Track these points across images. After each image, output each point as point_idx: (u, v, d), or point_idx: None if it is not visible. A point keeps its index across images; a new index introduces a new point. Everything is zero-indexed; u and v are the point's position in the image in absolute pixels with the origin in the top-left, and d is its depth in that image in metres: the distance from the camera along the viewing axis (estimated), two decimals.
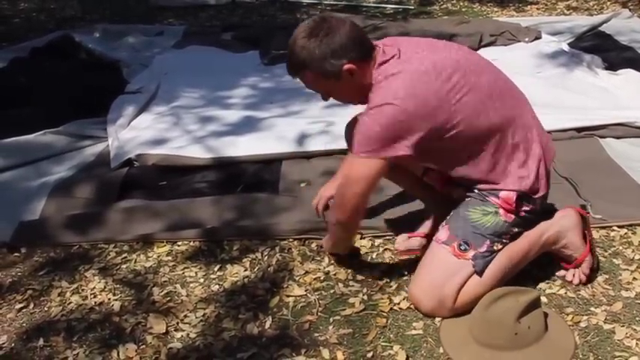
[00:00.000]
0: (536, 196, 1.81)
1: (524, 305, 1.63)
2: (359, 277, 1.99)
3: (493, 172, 1.77)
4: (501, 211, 1.77)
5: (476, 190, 1.81)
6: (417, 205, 2.20)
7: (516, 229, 1.81)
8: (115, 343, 1.76)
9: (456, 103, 1.65)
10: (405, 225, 2.13)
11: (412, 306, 1.83)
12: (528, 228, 1.85)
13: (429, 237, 1.92)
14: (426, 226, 2.04)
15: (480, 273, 1.75)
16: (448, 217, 1.84)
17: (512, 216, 1.78)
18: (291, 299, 1.91)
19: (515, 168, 1.77)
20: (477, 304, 1.74)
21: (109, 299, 1.95)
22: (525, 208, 1.80)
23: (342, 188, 1.74)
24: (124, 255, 2.16)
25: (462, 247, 1.75)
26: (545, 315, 1.70)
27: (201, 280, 2.02)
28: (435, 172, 1.95)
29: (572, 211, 1.92)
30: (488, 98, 1.70)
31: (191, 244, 2.21)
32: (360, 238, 2.17)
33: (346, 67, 1.66)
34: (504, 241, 1.80)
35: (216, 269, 2.07)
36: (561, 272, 1.94)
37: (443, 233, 1.81)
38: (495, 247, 1.78)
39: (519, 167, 1.77)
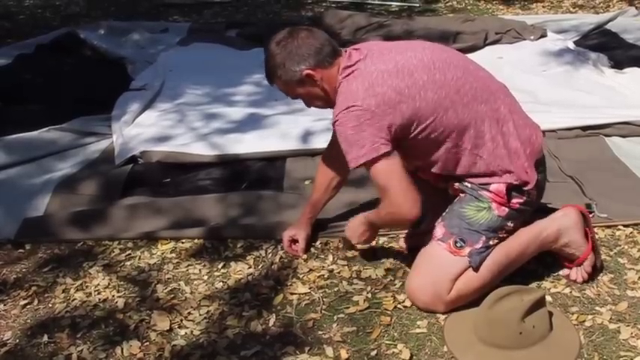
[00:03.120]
0: (527, 188, 1.80)
1: (529, 304, 1.62)
2: (363, 275, 1.99)
3: (475, 167, 1.78)
4: (494, 205, 1.78)
5: (468, 185, 1.82)
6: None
7: (511, 223, 1.81)
8: (119, 339, 1.76)
9: (420, 99, 1.69)
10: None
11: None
12: (525, 220, 1.85)
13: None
14: (428, 224, 2.03)
15: (476, 269, 1.76)
16: (444, 214, 1.85)
17: (506, 209, 1.78)
18: (295, 297, 1.91)
19: (498, 163, 1.77)
20: (473, 297, 1.75)
21: (113, 296, 1.95)
22: (518, 200, 1.79)
23: (386, 198, 1.72)
24: (128, 252, 2.16)
25: (458, 244, 1.77)
26: (550, 314, 1.70)
27: (205, 278, 2.02)
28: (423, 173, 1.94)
29: (572, 209, 1.91)
30: (456, 93, 1.72)
31: (195, 241, 2.21)
32: None
33: (305, 72, 1.76)
34: (500, 236, 1.80)
35: (220, 267, 2.07)
36: (565, 271, 1.93)
37: (439, 230, 1.82)
38: (491, 243, 1.78)
39: (501, 162, 1.77)
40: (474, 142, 1.75)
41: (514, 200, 1.79)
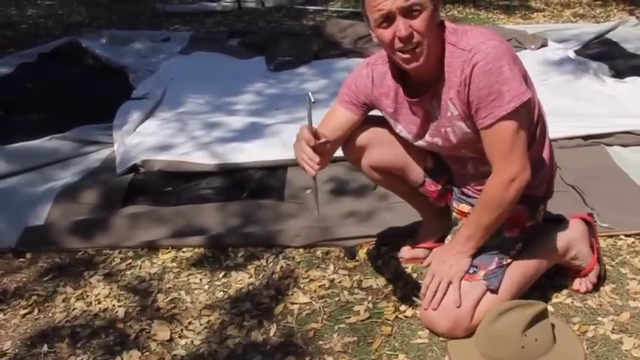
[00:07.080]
0: (541, 209, 1.79)
1: (530, 318, 1.60)
2: (364, 285, 1.98)
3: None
4: (505, 228, 1.73)
5: None
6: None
7: (520, 243, 1.79)
8: (119, 349, 1.76)
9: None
10: (409, 233, 2.13)
11: (418, 316, 1.82)
12: (529, 239, 1.83)
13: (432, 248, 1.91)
14: (427, 236, 2.03)
15: (496, 290, 1.71)
16: (450, 241, 1.80)
17: (517, 230, 1.75)
18: (295, 307, 1.90)
19: (544, 172, 1.75)
20: None
21: (114, 305, 1.94)
22: (531, 222, 1.78)
23: (511, 163, 1.56)
24: (128, 261, 2.16)
25: (471, 271, 1.71)
26: (553, 326, 1.68)
27: (206, 287, 2.01)
28: (431, 184, 1.89)
29: (578, 220, 1.90)
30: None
31: (196, 250, 2.20)
32: (365, 246, 2.16)
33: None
34: (512, 254, 1.76)
35: (220, 276, 2.06)
36: (568, 281, 1.92)
37: None
38: (505, 262, 1.74)
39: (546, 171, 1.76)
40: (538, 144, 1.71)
41: (528, 224, 1.77)
